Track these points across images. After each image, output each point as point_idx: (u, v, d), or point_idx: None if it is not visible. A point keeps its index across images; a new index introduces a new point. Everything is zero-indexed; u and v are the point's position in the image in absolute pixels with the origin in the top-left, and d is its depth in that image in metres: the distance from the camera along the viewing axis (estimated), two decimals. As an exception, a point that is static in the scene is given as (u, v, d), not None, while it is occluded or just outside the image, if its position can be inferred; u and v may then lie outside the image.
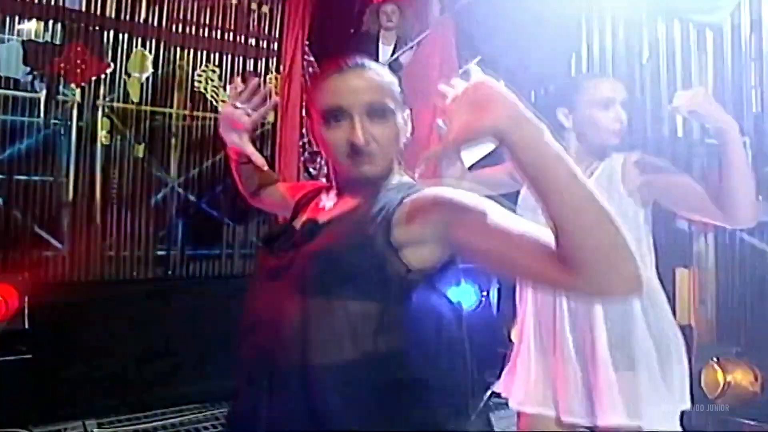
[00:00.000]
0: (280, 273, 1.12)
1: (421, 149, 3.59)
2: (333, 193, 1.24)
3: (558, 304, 1.80)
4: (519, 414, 1.90)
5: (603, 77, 1.99)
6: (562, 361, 1.76)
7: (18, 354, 3.04)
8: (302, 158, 4.29)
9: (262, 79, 4.34)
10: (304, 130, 4.33)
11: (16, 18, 3.57)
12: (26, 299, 3.04)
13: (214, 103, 4.08)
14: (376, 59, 4.72)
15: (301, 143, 4.26)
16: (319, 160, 4.31)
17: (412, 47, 4.57)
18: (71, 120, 3.70)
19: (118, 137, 3.81)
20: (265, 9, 4.39)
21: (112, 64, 3.80)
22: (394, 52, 4.71)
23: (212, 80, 4.07)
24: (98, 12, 3.77)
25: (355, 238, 1.07)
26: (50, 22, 3.65)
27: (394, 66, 4.62)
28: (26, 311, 3.02)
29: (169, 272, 3.86)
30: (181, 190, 3.99)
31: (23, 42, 3.58)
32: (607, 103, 1.80)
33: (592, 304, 1.72)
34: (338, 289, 1.05)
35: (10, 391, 3.05)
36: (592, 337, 1.71)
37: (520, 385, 1.86)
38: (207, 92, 4.06)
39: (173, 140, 4.00)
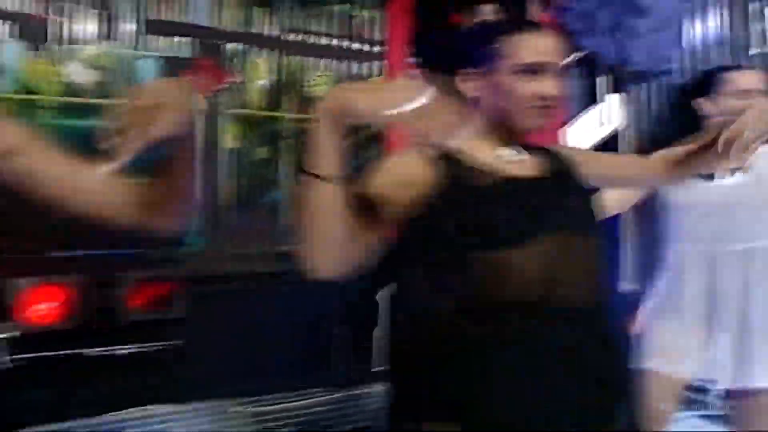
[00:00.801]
0: (538, 233, 1.27)
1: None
2: (508, 148, 1.40)
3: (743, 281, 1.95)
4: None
5: (743, 69, 2.10)
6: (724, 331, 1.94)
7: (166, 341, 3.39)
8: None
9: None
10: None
11: (154, 35, 3.93)
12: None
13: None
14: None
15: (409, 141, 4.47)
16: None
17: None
18: (200, 127, 4.04)
19: (240, 141, 4.14)
20: (366, 14, 4.60)
21: (235, 74, 4.12)
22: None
23: (324, 85, 4.33)
24: (221, 26, 4.09)
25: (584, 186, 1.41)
26: (182, 38, 3.99)
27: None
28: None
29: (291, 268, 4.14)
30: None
31: (159, 57, 3.94)
32: (746, 95, 1.90)
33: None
34: (601, 234, 1.36)
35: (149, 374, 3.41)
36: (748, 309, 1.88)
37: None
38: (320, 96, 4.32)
39: (287, 143, 4.29)
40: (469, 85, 1.37)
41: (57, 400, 3.02)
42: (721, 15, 3.89)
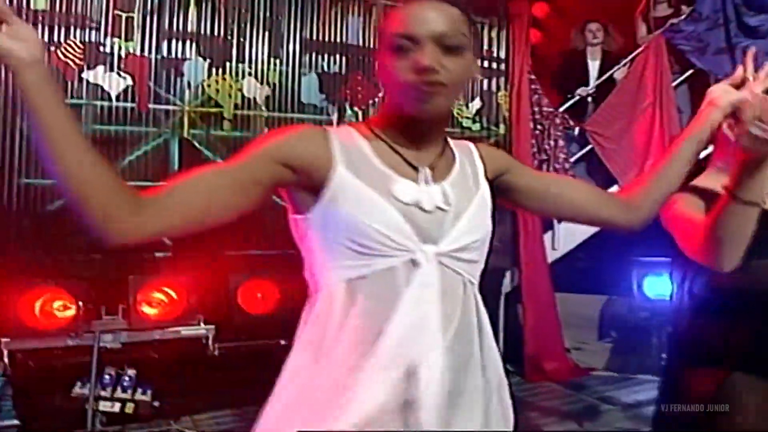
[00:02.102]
0: None
1: (639, 154, 4.16)
2: None
3: None
4: None
5: None
6: None
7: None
8: (533, 167, 4.84)
9: (494, 96, 4.93)
10: (533, 141, 4.90)
11: (313, 54, 4.32)
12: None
13: (459, 119, 4.71)
14: (587, 74, 5.23)
15: (532, 152, 4.82)
16: (544, 168, 4.85)
17: (625, 64, 5.03)
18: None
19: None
20: (494, 34, 4.96)
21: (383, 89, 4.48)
22: (601, 66, 5.19)
23: (457, 99, 4.69)
24: (371, 45, 4.47)
25: None
26: (337, 56, 4.38)
27: (608, 82, 5.10)
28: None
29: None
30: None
31: (318, 74, 4.32)
32: None
33: None
34: None
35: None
36: None
37: None
38: (453, 110, 4.68)
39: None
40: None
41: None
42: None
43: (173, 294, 3.49)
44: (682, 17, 4.89)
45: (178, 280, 3.51)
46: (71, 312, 3.33)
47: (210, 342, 3.50)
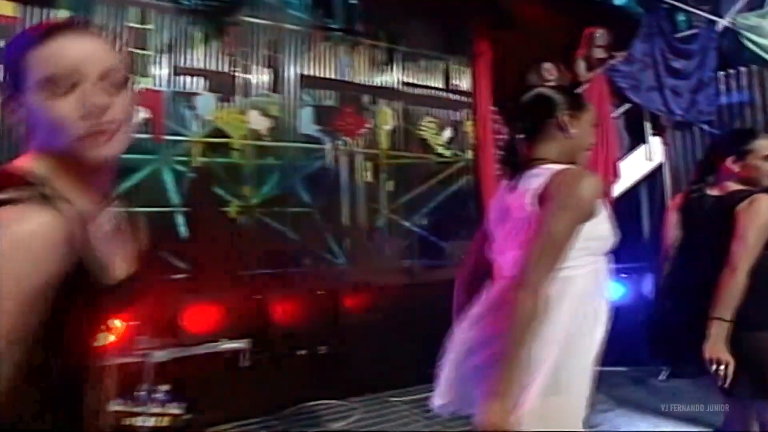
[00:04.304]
0: None
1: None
2: None
3: None
4: None
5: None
6: None
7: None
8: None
9: (462, 124, 5.53)
10: (497, 165, 5.52)
11: (310, 89, 4.76)
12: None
13: (432, 146, 5.28)
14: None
15: (497, 174, 5.45)
16: (507, 188, 5.48)
17: (572, 98, 5.73)
18: (344, 164, 4.90)
19: (374, 176, 5.01)
20: (463, 68, 5.58)
21: (370, 121, 4.99)
22: (552, 100, 5.89)
23: (431, 129, 5.26)
24: (358, 81, 4.96)
25: None
26: (330, 92, 4.84)
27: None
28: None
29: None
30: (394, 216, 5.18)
31: (314, 107, 4.77)
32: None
33: None
34: None
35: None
36: None
37: None
38: (428, 138, 5.24)
39: (395, 175, 5.18)
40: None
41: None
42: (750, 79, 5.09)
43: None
44: (619, 59, 5.67)
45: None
46: None
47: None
